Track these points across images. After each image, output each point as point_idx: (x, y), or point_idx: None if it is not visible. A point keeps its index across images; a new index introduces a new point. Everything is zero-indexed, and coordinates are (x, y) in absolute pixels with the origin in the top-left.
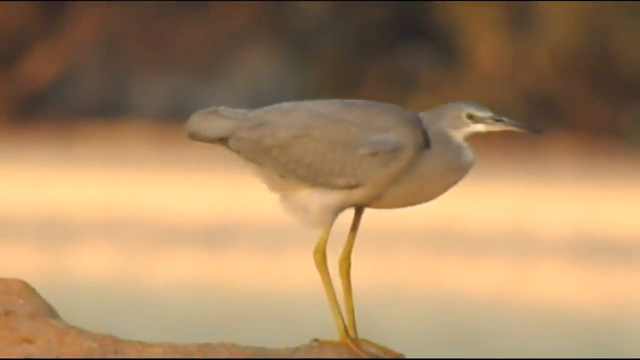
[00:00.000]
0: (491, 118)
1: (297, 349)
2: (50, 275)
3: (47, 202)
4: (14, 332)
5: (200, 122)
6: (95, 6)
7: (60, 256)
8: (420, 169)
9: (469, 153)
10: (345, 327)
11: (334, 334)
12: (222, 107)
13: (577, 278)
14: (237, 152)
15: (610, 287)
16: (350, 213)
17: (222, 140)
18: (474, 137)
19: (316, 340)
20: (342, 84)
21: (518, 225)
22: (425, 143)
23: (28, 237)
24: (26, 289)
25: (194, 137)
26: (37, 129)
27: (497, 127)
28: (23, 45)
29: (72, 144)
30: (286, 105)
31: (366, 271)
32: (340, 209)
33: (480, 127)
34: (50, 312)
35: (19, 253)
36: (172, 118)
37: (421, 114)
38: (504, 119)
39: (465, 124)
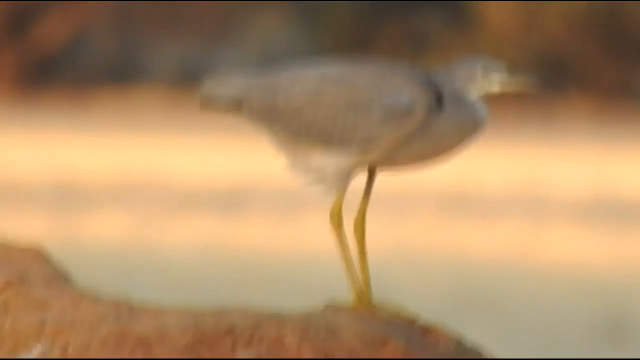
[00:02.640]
0: (506, 74)
1: (311, 312)
2: (64, 241)
3: (59, 167)
4: (28, 298)
5: (212, 89)
6: None
7: (74, 222)
8: (434, 129)
9: (482, 110)
10: (360, 290)
11: (348, 297)
12: (232, 73)
13: (591, 239)
14: (250, 117)
15: (625, 248)
16: (364, 176)
17: (234, 107)
18: (486, 98)
19: (330, 303)
20: (354, 45)
21: (531, 187)
22: (439, 102)
23: (41, 203)
24: (40, 255)
25: (206, 105)
26: (49, 93)
27: (513, 83)
28: (34, 9)
29: (85, 108)
30: (297, 67)
31: (380, 234)
32: (354, 171)
33: (494, 85)
34: (64, 278)
35: (32, 219)
36: (185, 82)
37: (434, 72)
38: (519, 74)
39: (480, 81)
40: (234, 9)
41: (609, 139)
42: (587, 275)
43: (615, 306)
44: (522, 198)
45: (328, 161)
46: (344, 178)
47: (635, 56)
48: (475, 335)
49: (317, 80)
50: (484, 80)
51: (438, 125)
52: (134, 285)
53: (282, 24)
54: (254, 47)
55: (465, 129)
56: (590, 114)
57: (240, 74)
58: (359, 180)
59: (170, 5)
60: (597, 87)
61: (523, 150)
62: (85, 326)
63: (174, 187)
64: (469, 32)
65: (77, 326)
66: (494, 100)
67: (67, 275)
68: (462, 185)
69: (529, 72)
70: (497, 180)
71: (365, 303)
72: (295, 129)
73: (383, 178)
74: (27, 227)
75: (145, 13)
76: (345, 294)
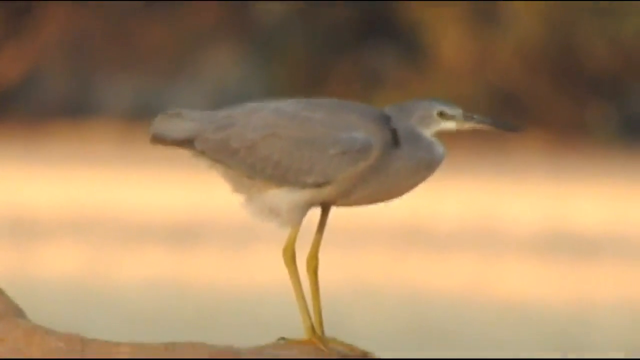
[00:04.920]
0: (462, 116)
1: (263, 347)
2: (17, 275)
3: (13, 202)
4: None
5: (164, 124)
6: (61, 6)
7: (27, 255)
8: (390, 167)
9: (439, 148)
10: (312, 325)
11: (301, 333)
12: (184, 110)
13: (544, 274)
14: (203, 153)
15: (578, 282)
16: (317, 212)
17: (187, 142)
18: (441, 134)
19: (283, 338)
20: (308, 82)
21: (485, 222)
22: (394, 140)
23: None
24: None
25: (158, 140)
26: (3, 128)
27: (468, 125)
28: None
29: (39, 144)
30: (252, 105)
31: (334, 269)
32: (309, 206)
33: (450, 125)
34: (17, 312)
35: None
36: (139, 117)
37: (387, 110)
38: (475, 116)
39: (436, 121)
40: (187, 46)
41: (562, 173)
42: (541, 310)
43: (568, 340)
44: (476, 232)
45: (282, 197)
46: (298, 213)
47: (588, 91)
48: None
49: (272, 117)
50: (439, 121)
51: (394, 163)
52: (86, 319)
53: (236, 61)
54: (207, 84)
55: (422, 166)
56: (543, 149)
57: (194, 109)
58: (313, 215)
59: (123, 41)
60: (550, 122)
61: (477, 184)
62: None
63: (127, 221)
64: (422, 68)
65: None
66: (448, 135)
67: (20, 309)
68: (416, 220)
69: (484, 113)
70: (451, 214)
71: (317, 338)
72: (250, 165)
73: (337, 212)
74: None
75: (98, 49)
76: (298, 329)
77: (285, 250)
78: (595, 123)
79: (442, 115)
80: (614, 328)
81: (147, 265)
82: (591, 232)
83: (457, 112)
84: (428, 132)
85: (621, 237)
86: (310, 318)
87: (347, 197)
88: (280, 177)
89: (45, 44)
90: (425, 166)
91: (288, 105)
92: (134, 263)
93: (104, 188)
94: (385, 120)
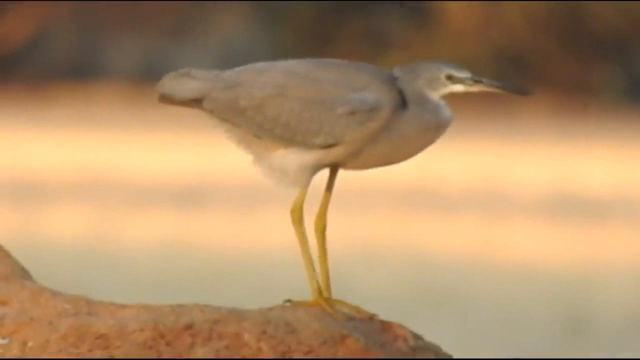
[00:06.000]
0: (470, 79)
1: (270, 309)
2: (23, 237)
3: (19, 164)
4: None
5: (173, 83)
6: None
7: (34, 218)
8: (398, 128)
9: (447, 111)
10: (319, 287)
11: (307, 295)
12: (193, 69)
13: (551, 235)
14: (211, 113)
15: (585, 244)
16: (325, 173)
17: (195, 102)
18: (449, 96)
19: (289, 300)
20: (315, 43)
21: (492, 184)
22: (402, 102)
23: (0, 199)
24: None
25: (166, 99)
26: (9, 90)
27: (477, 88)
28: None
29: (45, 106)
30: (260, 65)
31: (341, 231)
32: (317, 167)
33: (459, 88)
34: (23, 274)
35: None
36: (145, 78)
37: (395, 72)
38: (483, 80)
39: (444, 84)
40: (195, 7)
41: (569, 135)
42: (548, 272)
43: (574, 302)
44: (482, 195)
45: (290, 158)
46: (307, 174)
47: (594, 53)
48: (434, 331)
49: (281, 77)
50: (447, 84)
51: (402, 125)
52: (93, 281)
53: (243, 22)
54: (215, 45)
55: (430, 129)
56: (550, 111)
57: (202, 69)
58: (321, 176)
59: (131, 2)
60: (557, 84)
61: (484, 146)
62: (45, 322)
63: (133, 183)
64: (429, 28)
65: (37, 322)
66: (455, 97)
67: (26, 270)
68: (423, 182)
69: (491, 75)
70: (458, 176)
71: (324, 300)
72: (258, 124)
73: (344, 174)
74: None
75: (106, 10)
76: (304, 290)
77: (293, 211)
78: (601, 85)
79: (450, 78)
80: (621, 289)
81: (154, 228)
82: (597, 193)
83: (466, 75)
84: (436, 95)
85: (627, 198)
86: (317, 280)
87: (355, 159)
88: (289, 137)
89: (52, 4)
90: (432, 129)
91: (297, 65)
92: (141, 225)
93: (111, 150)
94: (393, 81)
